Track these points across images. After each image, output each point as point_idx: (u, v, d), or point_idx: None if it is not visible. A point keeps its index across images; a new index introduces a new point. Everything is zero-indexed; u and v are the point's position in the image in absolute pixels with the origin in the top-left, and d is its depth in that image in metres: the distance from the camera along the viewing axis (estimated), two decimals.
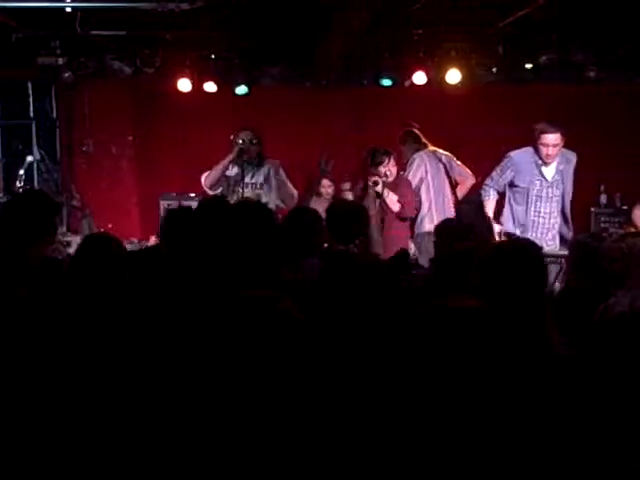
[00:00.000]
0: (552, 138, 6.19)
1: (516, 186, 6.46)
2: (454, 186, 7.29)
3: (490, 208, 6.60)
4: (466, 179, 7.32)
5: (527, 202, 6.41)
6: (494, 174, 6.54)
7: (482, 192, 6.62)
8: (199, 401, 1.79)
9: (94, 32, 6.59)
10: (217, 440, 1.73)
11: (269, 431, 1.73)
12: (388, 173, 6.47)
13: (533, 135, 6.30)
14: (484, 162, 7.15)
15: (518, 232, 6.34)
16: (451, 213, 7.00)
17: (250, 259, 2.59)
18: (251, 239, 2.63)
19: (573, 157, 6.49)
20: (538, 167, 6.35)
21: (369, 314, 2.43)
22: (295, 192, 6.70)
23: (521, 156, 6.42)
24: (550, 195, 6.41)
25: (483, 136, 8.25)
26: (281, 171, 6.66)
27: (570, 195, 6.48)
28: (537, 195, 6.40)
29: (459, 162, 7.33)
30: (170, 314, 2.43)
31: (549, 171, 6.38)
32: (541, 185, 6.40)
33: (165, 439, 1.79)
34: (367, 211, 5.30)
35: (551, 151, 6.24)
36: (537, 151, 6.31)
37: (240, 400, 1.75)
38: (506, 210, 6.61)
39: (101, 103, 8.44)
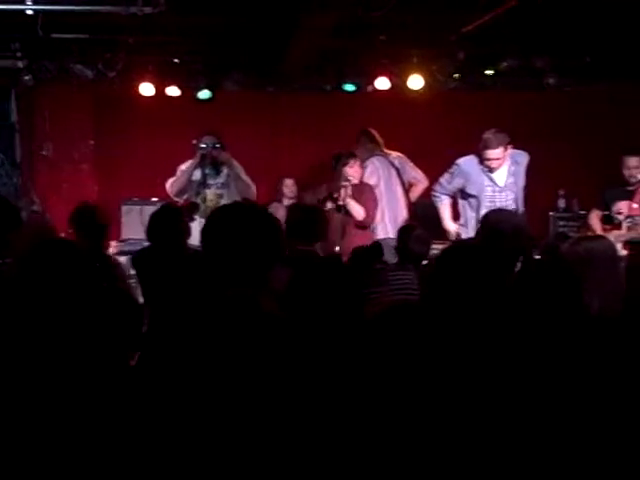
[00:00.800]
0: (494, 153, 6.14)
1: (468, 194, 6.40)
2: (407, 189, 7.29)
3: (446, 212, 6.52)
4: (419, 182, 7.35)
5: (478, 209, 6.36)
6: (442, 180, 6.48)
7: (433, 199, 6.55)
8: (185, 398, 1.79)
9: (55, 35, 6.52)
10: (205, 435, 1.73)
11: (256, 425, 1.75)
12: (354, 175, 6.45)
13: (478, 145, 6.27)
14: (446, 167, 7.21)
15: None
16: (404, 219, 6.96)
17: (244, 260, 2.60)
18: (245, 240, 2.64)
19: (523, 158, 6.41)
20: (486, 173, 6.31)
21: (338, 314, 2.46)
22: (252, 183, 6.66)
23: (468, 164, 6.34)
24: (504, 200, 6.32)
25: (445, 141, 8.31)
26: (235, 163, 6.63)
27: (521, 197, 6.42)
28: (490, 201, 6.31)
29: (412, 164, 7.36)
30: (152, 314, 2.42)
31: (500, 176, 6.31)
32: (493, 191, 6.32)
33: (152, 436, 1.80)
34: (325, 214, 5.33)
35: (494, 164, 6.20)
36: (481, 162, 6.28)
37: (223, 398, 1.76)
38: (462, 218, 6.59)
39: (62, 107, 8.36)
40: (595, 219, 6.73)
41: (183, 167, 6.64)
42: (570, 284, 2.66)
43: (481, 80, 7.85)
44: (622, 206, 6.49)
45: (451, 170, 6.44)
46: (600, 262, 3.44)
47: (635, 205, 6.42)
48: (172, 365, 1.93)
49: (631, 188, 6.48)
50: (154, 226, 5.06)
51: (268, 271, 2.58)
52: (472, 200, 6.39)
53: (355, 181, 6.47)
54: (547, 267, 2.77)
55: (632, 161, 6.43)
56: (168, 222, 5.04)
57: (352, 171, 6.43)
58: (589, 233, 6.61)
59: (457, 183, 6.41)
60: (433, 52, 7.40)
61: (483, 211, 6.27)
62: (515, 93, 8.21)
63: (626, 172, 6.45)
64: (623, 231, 6.40)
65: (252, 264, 2.46)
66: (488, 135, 6.15)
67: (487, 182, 6.31)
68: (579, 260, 3.52)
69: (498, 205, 6.29)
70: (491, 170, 6.24)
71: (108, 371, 2.22)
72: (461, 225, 6.51)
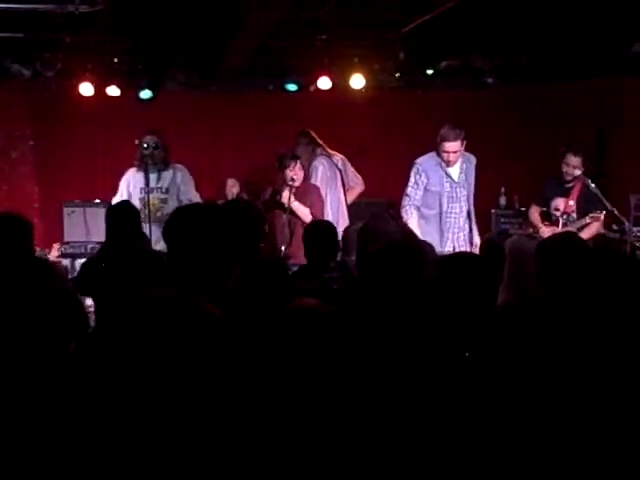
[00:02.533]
0: (452, 146, 6.28)
1: (427, 190, 6.44)
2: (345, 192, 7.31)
3: (416, 226, 6.33)
4: (356, 186, 7.36)
5: (440, 204, 6.46)
6: (410, 190, 6.43)
7: (402, 213, 6.44)
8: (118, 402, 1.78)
9: None
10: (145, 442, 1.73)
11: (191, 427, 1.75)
12: (295, 177, 6.42)
13: (435, 139, 6.40)
14: (387, 165, 7.28)
15: (437, 238, 6.32)
16: (345, 220, 6.94)
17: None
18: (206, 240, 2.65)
19: (473, 159, 6.60)
20: (443, 169, 6.41)
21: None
22: (198, 197, 6.63)
23: (427, 161, 6.43)
24: (459, 195, 6.46)
25: (386, 140, 8.40)
26: (188, 176, 6.61)
27: (472, 195, 6.57)
28: (449, 196, 6.44)
29: (352, 168, 7.39)
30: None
31: (454, 171, 6.45)
32: (451, 186, 6.45)
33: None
34: (262, 212, 5.32)
35: (452, 157, 6.33)
36: (439, 155, 6.44)
37: (154, 399, 1.75)
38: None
39: None
40: (535, 214, 6.85)
41: (122, 180, 6.59)
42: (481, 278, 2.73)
43: (421, 79, 7.93)
44: (559, 203, 6.62)
45: (412, 173, 6.45)
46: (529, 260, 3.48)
47: (571, 202, 6.55)
48: (107, 363, 1.92)
49: (569, 185, 6.62)
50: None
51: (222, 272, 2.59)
52: (431, 197, 6.44)
53: (297, 184, 6.43)
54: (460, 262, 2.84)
55: (573, 160, 6.56)
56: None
57: (292, 174, 6.40)
58: (530, 229, 6.75)
59: (422, 183, 6.43)
60: (374, 52, 7.46)
61: (444, 206, 6.39)
62: (455, 92, 8.31)
63: (564, 168, 6.58)
64: (559, 228, 6.53)
65: (214, 264, 2.48)
66: (445, 129, 6.28)
67: (445, 177, 6.44)
68: (510, 257, 3.59)
69: (455, 199, 6.44)
70: (448, 164, 6.36)
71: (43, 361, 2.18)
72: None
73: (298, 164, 6.47)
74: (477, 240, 6.35)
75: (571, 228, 6.45)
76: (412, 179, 6.46)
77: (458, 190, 6.48)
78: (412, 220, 6.40)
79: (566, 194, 6.59)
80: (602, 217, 6.35)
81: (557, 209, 6.58)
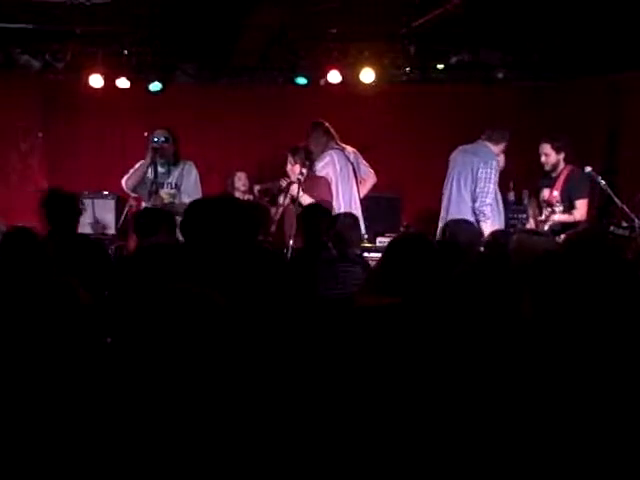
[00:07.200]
0: None
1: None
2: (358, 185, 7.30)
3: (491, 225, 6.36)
4: (368, 178, 7.34)
5: (496, 192, 6.61)
6: (488, 197, 6.45)
7: (485, 212, 6.44)
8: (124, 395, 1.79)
9: (1, 25, 6.42)
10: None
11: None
12: (304, 172, 6.38)
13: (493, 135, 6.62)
14: (396, 161, 7.25)
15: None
16: (358, 213, 6.93)
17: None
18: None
19: None
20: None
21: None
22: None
23: (491, 154, 6.59)
24: None
25: (396, 134, 8.37)
26: (194, 173, 6.56)
27: None
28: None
29: (364, 161, 7.38)
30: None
31: None
32: None
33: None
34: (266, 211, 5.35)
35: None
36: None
37: (164, 392, 1.76)
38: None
39: (8, 98, 8.20)
40: (532, 207, 6.83)
41: (137, 165, 6.56)
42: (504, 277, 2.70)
43: (432, 74, 7.91)
44: (545, 194, 6.57)
45: (494, 167, 6.50)
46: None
47: (555, 193, 6.42)
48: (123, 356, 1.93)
49: (555, 175, 6.55)
50: None
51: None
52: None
53: (298, 177, 6.40)
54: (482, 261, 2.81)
55: (541, 147, 6.57)
56: None
57: (289, 167, 6.40)
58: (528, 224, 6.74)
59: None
60: (384, 46, 7.44)
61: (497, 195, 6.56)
62: (465, 87, 8.28)
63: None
64: (543, 218, 6.46)
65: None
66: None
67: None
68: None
69: None
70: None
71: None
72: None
73: (296, 157, 6.47)
74: None
75: (551, 220, 6.35)
76: (489, 183, 6.47)
77: None
78: (490, 220, 6.44)
79: (552, 185, 6.53)
80: (585, 205, 6.32)
81: (544, 200, 6.53)
